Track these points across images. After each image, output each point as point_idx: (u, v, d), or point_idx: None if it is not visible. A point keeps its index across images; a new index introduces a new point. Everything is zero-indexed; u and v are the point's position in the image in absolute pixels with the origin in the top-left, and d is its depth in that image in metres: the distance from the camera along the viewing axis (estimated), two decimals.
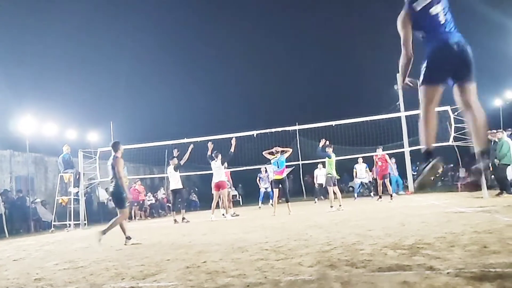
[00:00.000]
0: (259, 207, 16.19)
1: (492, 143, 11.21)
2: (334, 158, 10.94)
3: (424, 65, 3.46)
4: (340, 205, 10.59)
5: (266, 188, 16.30)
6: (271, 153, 11.01)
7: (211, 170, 11.74)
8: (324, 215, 9.28)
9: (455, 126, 11.32)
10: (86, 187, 14.89)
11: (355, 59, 38.51)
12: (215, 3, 42.01)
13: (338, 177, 12.31)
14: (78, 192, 13.35)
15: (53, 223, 12.75)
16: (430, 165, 3.28)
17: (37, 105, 18.06)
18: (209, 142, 11.77)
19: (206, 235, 7.16)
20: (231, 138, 11.84)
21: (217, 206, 11.77)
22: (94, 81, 29.98)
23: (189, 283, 3.27)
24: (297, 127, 13.49)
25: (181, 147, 13.71)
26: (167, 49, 37.52)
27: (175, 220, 11.38)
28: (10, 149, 15.99)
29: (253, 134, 12.71)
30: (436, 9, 3.35)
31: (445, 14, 3.38)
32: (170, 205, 19.01)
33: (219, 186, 11.29)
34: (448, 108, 11.43)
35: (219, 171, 11.32)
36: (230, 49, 38.95)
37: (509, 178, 10.81)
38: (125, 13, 37.31)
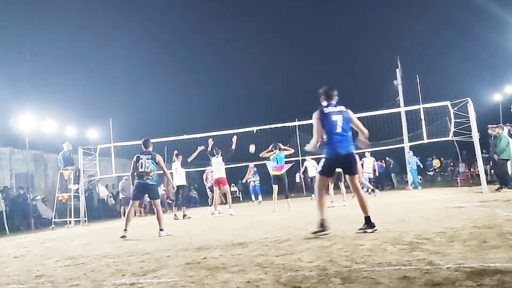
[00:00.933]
0: (259, 201, 16.27)
1: (492, 138, 11.23)
2: None
3: (322, 162, 5.08)
4: (344, 200, 10.54)
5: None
6: (270, 151, 10.97)
7: (210, 166, 11.74)
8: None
9: (454, 121, 11.32)
10: (86, 184, 14.90)
11: (355, 55, 38.46)
12: (215, 0, 41.90)
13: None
14: (78, 189, 13.36)
15: (53, 220, 12.77)
16: (321, 229, 4.84)
17: (36, 102, 18.09)
18: (210, 139, 11.75)
19: (206, 231, 7.17)
20: (232, 134, 11.82)
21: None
22: (93, 78, 29.94)
23: (189, 279, 3.27)
24: (297, 123, 13.48)
25: (180, 144, 13.73)
26: (166, 45, 37.46)
27: (175, 215, 11.42)
28: (9, 146, 16.00)
29: (253, 130, 12.70)
30: (336, 118, 4.94)
31: (342, 125, 4.94)
32: (170, 201, 19.08)
33: (219, 182, 11.27)
34: (448, 103, 11.43)
35: (220, 167, 11.30)
36: (229, 45, 38.88)
37: (509, 172, 10.81)
38: (124, 10, 37.22)
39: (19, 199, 13.92)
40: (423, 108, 11.97)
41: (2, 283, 3.86)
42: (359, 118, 12.65)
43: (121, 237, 6.88)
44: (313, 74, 39.86)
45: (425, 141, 12.12)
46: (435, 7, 35.14)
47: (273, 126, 13.13)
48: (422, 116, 11.93)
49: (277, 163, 10.73)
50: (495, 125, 11.38)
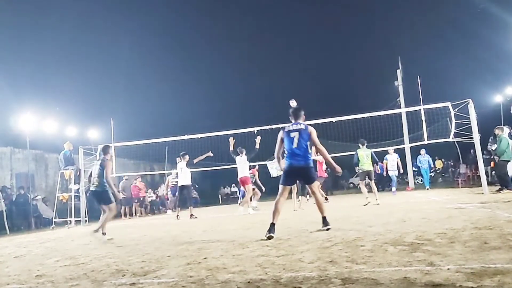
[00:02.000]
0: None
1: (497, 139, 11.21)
2: (364, 151, 10.78)
3: (283, 173, 5.78)
4: (376, 199, 10.14)
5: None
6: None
7: (212, 167, 11.75)
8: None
9: (455, 122, 11.31)
10: (87, 184, 14.89)
11: (355, 55, 38.47)
12: (216, 0, 41.92)
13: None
14: (78, 189, 13.36)
15: (53, 220, 12.78)
16: (268, 233, 5.29)
17: (37, 102, 18.11)
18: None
19: (206, 231, 7.17)
20: (232, 135, 11.82)
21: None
22: (94, 77, 29.98)
23: (190, 280, 3.27)
24: None
25: (181, 144, 13.74)
26: (167, 45, 37.49)
27: (178, 216, 11.40)
28: (10, 146, 16.02)
29: (254, 131, 12.69)
30: (293, 135, 5.64)
31: (298, 141, 5.58)
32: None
33: (242, 182, 11.31)
34: (448, 104, 11.42)
35: (244, 166, 11.30)
36: (231, 45, 38.89)
37: (509, 174, 10.79)
38: (125, 9, 37.25)
39: (20, 199, 13.93)
40: (424, 109, 11.97)
41: (2, 283, 3.86)
42: (359, 119, 12.68)
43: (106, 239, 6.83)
44: (313, 74, 39.92)
45: (426, 142, 12.11)
46: (436, 8, 35.14)
47: (274, 126, 13.12)
48: (423, 117, 11.92)
49: None
50: (501, 126, 11.36)
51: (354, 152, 12.59)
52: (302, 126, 5.73)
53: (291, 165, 5.62)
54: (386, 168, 15.99)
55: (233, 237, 5.81)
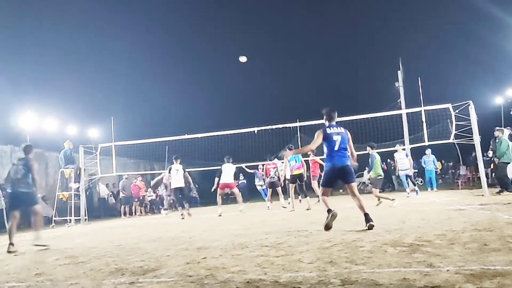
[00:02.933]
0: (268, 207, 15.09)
1: (497, 141, 11.20)
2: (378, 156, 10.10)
3: (324, 175, 6.09)
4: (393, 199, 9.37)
5: (261, 186, 15.93)
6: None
7: (211, 166, 11.78)
8: (324, 212, 9.27)
9: (456, 124, 11.31)
10: (87, 183, 14.91)
11: (356, 56, 38.49)
12: (215, 0, 41.95)
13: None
14: (78, 187, 13.38)
15: (53, 218, 12.78)
16: (331, 215, 5.68)
17: (37, 101, 18.07)
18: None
19: (206, 231, 7.17)
20: (232, 135, 11.88)
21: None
22: (95, 77, 29.96)
23: (189, 279, 3.28)
24: (298, 124, 13.46)
25: (181, 144, 13.75)
26: (167, 44, 37.50)
27: (182, 215, 11.43)
28: (11, 144, 15.99)
29: (254, 131, 12.70)
30: (336, 138, 5.77)
31: (340, 144, 5.75)
32: (172, 200, 19.12)
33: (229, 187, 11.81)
34: (449, 105, 11.42)
35: (229, 172, 11.65)
36: (231, 45, 38.86)
37: (509, 176, 10.79)
38: (125, 9, 37.26)
39: None
40: (425, 110, 11.96)
41: (1, 281, 3.86)
42: (360, 120, 12.66)
43: (8, 251, 6.15)
44: (314, 75, 39.92)
45: (426, 143, 12.11)
46: (437, 10, 35.15)
47: (274, 126, 13.13)
48: (423, 118, 11.92)
49: (296, 162, 11.00)
50: (502, 128, 11.34)
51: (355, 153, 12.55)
52: (343, 130, 5.96)
53: (336, 167, 5.76)
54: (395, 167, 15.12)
55: (233, 237, 5.81)
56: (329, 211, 5.75)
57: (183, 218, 11.23)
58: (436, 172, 16.90)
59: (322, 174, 6.35)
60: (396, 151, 14.56)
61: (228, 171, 11.58)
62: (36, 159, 17.27)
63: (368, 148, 10.00)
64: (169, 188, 13.86)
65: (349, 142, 5.93)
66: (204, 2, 40.80)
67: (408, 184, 14.24)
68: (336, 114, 6.09)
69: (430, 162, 16.15)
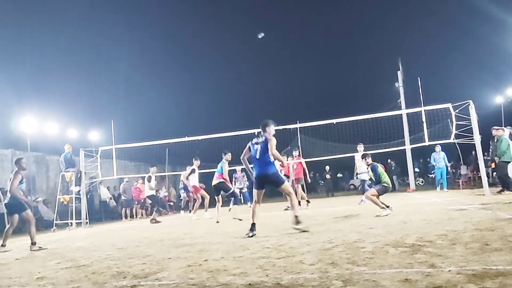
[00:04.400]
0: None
1: (496, 140, 11.19)
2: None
3: (253, 181, 6.53)
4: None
5: (240, 189, 15.65)
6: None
7: (211, 169, 11.79)
8: (324, 214, 9.28)
9: (456, 124, 11.31)
10: (88, 186, 14.91)
11: (356, 57, 38.51)
12: (215, 1, 42.01)
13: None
14: (79, 191, 13.38)
15: (55, 222, 12.78)
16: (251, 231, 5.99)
17: (38, 105, 18.09)
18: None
19: (207, 233, 7.17)
20: (233, 136, 11.88)
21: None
22: (95, 80, 29.99)
23: (190, 282, 3.28)
24: (298, 125, 13.46)
25: (181, 146, 13.76)
26: (168, 48, 37.54)
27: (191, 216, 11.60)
28: (11, 148, 16.02)
29: (254, 133, 12.69)
30: (256, 147, 6.30)
31: (260, 152, 6.22)
32: (171, 203, 19.14)
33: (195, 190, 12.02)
34: (449, 105, 11.42)
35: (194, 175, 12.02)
36: (231, 47, 38.92)
37: (510, 175, 10.78)
38: (126, 12, 37.32)
39: None
40: (425, 110, 11.96)
41: (3, 285, 3.86)
42: (360, 120, 12.65)
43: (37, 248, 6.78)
44: (314, 76, 39.92)
45: (427, 143, 12.09)
46: (437, 9, 35.15)
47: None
48: (424, 119, 11.91)
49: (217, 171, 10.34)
50: (500, 127, 11.32)
51: (353, 154, 12.55)
52: (263, 139, 6.37)
53: (258, 174, 6.30)
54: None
55: (234, 239, 5.82)
56: (253, 225, 6.05)
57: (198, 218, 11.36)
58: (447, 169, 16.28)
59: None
60: (434, 150, 14.08)
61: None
62: (37, 163, 17.39)
63: (364, 160, 8.58)
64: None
65: (271, 150, 6.15)
66: (204, 4, 40.88)
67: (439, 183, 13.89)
68: (263, 125, 6.50)
69: (441, 159, 15.07)
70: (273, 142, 6.22)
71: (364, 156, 8.57)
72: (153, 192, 12.88)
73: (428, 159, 22.80)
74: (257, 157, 6.27)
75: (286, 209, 11.65)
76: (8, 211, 7.35)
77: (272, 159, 6.19)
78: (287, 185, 6.50)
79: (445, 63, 32.79)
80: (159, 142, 14.44)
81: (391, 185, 8.38)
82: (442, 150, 14.98)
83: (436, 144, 13.73)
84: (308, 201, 12.46)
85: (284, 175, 12.99)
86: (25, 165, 7.50)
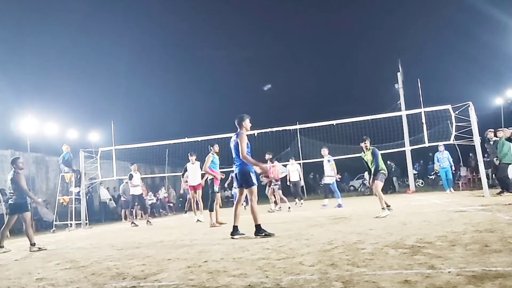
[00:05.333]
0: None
1: (492, 142, 11.19)
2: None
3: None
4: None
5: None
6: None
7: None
8: (325, 215, 9.27)
9: (456, 125, 11.31)
10: (88, 187, 14.90)
11: (356, 58, 38.55)
12: (215, 2, 42.04)
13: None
14: (79, 192, 13.37)
15: (54, 222, 12.77)
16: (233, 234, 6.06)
17: (38, 105, 18.12)
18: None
19: (207, 234, 7.16)
20: (257, 138, 11.71)
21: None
22: (95, 81, 30.03)
23: (190, 283, 3.27)
24: (298, 126, 13.47)
25: (181, 147, 13.74)
26: (168, 49, 37.59)
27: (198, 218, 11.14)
28: (11, 149, 16.00)
29: (254, 134, 12.70)
30: (232, 146, 6.44)
31: (234, 151, 6.33)
32: (171, 204, 19.11)
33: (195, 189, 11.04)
34: (449, 106, 11.42)
35: (196, 173, 10.97)
36: (231, 48, 38.96)
37: (510, 177, 10.77)
38: (127, 14, 37.36)
39: None
40: (425, 111, 11.97)
41: (3, 286, 3.86)
42: (360, 122, 12.67)
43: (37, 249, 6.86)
44: (314, 77, 39.97)
45: (427, 144, 12.10)
46: (437, 11, 35.24)
47: (274, 129, 13.13)
48: (424, 120, 11.92)
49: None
50: (500, 129, 11.29)
51: (355, 155, 12.54)
52: (234, 137, 6.39)
53: (235, 172, 6.33)
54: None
55: (234, 240, 5.81)
56: (234, 227, 6.14)
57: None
58: (437, 173, 16.27)
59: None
60: (438, 150, 14.01)
61: (194, 170, 10.63)
62: (37, 164, 17.39)
63: (364, 144, 8.42)
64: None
65: (239, 146, 6.08)
66: (205, 5, 40.93)
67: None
68: (237, 122, 6.47)
69: (445, 159, 14.33)
70: (243, 138, 6.16)
71: (364, 140, 8.46)
72: (136, 191, 12.12)
73: (428, 161, 22.85)
74: (234, 156, 6.33)
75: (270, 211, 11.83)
76: (10, 211, 7.32)
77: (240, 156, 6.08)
78: (252, 190, 6.08)
79: (445, 64, 32.89)
80: (159, 143, 14.44)
81: (386, 172, 8.32)
82: (445, 149, 14.38)
83: (439, 144, 13.49)
84: (276, 203, 12.70)
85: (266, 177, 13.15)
86: (21, 165, 7.46)
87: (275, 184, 12.62)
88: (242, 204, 6.58)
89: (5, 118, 15.98)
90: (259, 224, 5.91)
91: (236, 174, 6.27)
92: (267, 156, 12.53)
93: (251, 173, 6.14)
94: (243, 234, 6.03)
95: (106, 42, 32.33)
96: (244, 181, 6.15)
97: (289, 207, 11.88)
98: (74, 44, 30.57)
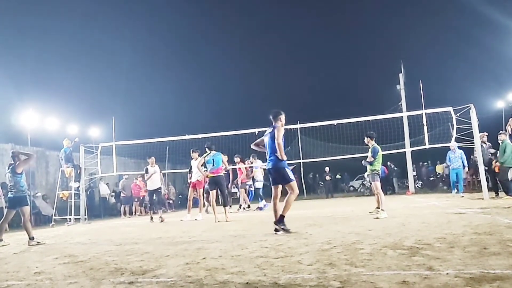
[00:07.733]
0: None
1: (486, 146, 11.16)
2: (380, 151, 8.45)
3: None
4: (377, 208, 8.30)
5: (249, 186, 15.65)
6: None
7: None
8: (323, 215, 9.28)
9: (457, 127, 11.30)
10: (88, 182, 14.91)
11: (358, 59, 38.51)
12: (218, 1, 42.00)
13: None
14: (79, 187, 13.38)
15: (53, 217, 12.79)
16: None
17: (39, 100, 18.13)
18: None
19: (206, 231, 7.17)
20: (233, 136, 11.73)
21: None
22: (96, 76, 30.03)
23: (188, 279, 3.27)
24: (298, 126, 13.45)
25: (181, 144, 13.74)
26: (169, 44, 37.56)
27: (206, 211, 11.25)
28: (11, 142, 16.02)
29: (255, 132, 12.69)
30: (266, 140, 6.29)
31: (266, 146, 6.29)
32: (170, 201, 19.12)
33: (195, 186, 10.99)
34: (450, 109, 11.41)
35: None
36: (231, 46, 38.94)
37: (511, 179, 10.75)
38: (128, 9, 37.33)
39: None
40: (426, 113, 11.95)
41: (1, 279, 3.86)
42: (361, 122, 12.68)
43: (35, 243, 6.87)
44: (316, 78, 39.93)
45: (427, 146, 12.09)
46: (439, 14, 35.18)
47: None
48: (424, 122, 11.91)
49: (213, 165, 9.42)
50: (502, 132, 11.26)
51: (355, 156, 12.56)
52: (269, 129, 6.30)
53: (269, 169, 6.25)
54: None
55: (232, 238, 5.81)
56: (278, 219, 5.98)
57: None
58: (437, 175, 16.05)
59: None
60: (449, 149, 13.10)
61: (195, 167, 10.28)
62: (37, 158, 17.40)
63: (367, 138, 8.52)
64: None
65: (275, 140, 5.98)
66: (206, 3, 40.87)
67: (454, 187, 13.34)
68: (272, 116, 6.38)
69: (457, 158, 13.28)
70: (280, 130, 6.06)
71: (369, 135, 8.59)
72: (152, 186, 11.60)
73: (428, 162, 22.83)
74: (268, 151, 6.19)
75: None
76: (9, 205, 7.31)
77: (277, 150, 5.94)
78: (291, 185, 6.04)
79: (446, 66, 32.85)
80: (159, 139, 14.44)
81: (380, 171, 8.41)
82: (458, 148, 13.14)
83: (440, 146, 12.84)
84: (242, 207, 13.36)
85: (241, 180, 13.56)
86: (23, 157, 7.48)
87: (247, 184, 13.67)
88: (242, 205, 6.59)
89: (6, 112, 16.01)
90: (284, 216, 5.91)
91: (269, 170, 6.19)
92: (236, 159, 13.46)
93: (286, 168, 6.07)
94: (288, 230, 5.86)
95: (108, 37, 32.34)
96: (280, 178, 6.08)
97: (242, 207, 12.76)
98: (76, 39, 30.58)
